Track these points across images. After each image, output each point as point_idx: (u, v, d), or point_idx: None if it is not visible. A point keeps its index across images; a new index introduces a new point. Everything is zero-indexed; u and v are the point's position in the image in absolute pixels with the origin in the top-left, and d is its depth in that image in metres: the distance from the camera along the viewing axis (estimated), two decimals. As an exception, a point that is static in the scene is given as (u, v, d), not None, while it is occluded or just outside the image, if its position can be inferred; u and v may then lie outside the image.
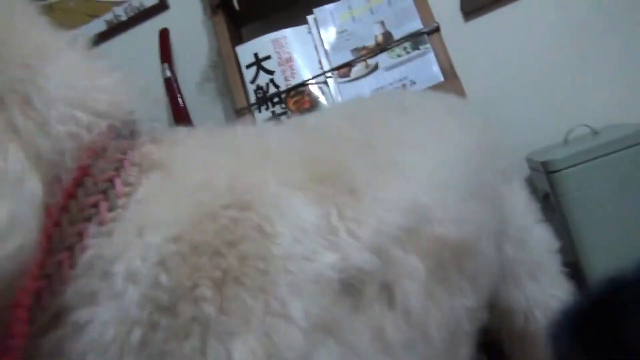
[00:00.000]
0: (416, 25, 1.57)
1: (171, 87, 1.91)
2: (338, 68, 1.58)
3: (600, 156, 1.50)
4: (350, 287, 0.56)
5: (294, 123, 0.77)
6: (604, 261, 1.51)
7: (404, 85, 1.54)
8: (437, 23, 1.55)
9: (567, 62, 1.77)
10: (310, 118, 0.79)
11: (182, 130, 0.65)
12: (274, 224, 0.53)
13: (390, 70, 1.56)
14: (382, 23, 1.60)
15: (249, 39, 1.69)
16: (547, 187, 1.58)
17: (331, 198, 0.59)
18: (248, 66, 1.64)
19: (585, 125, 1.65)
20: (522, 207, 0.97)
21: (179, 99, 1.91)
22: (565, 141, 1.67)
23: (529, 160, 1.70)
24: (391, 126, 0.78)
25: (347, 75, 1.58)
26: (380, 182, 0.65)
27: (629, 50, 1.74)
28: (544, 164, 1.57)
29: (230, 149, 0.62)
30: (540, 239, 0.98)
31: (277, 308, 0.49)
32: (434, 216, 0.67)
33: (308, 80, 1.59)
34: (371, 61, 1.57)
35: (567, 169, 1.52)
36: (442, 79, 1.53)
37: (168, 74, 1.89)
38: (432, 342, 0.63)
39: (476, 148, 0.85)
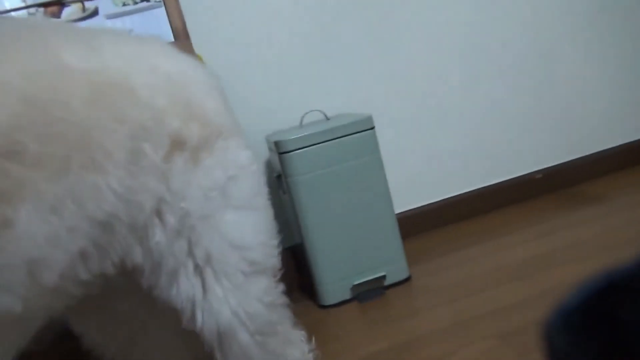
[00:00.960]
0: (149, -27, 1.38)
1: None
2: (45, 5, 1.30)
3: (330, 140, 1.50)
4: None
5: None
6: (327, 242, 1.51)
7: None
8: (173, -24, 1.38)
9: (308, 49, 1.76)
10: None
11: None
12: None
13: (112, 19, 1.34)
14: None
15: None
16: (279, 167, 1.54)
17: None
18: None
19: (319, 111, 1.65)
20: (206, 187, 0.78)
21: None
22: (300, 124, 1.65)
23: (268, 141, 1.64)
24: None
25: (56, 15, 1.32)
26: None
27: (368, 48, 1.81)
28: (277, 144, 1.52)
29: None
30: (226, 230, 0.79)
31: None
32: None
33: (5, 12, 1.28)
34: (89, 4, 1.34)
35: (298, 150, 1.49)
36: (171, 38, 1.37)
37: None
38: None
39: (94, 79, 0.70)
